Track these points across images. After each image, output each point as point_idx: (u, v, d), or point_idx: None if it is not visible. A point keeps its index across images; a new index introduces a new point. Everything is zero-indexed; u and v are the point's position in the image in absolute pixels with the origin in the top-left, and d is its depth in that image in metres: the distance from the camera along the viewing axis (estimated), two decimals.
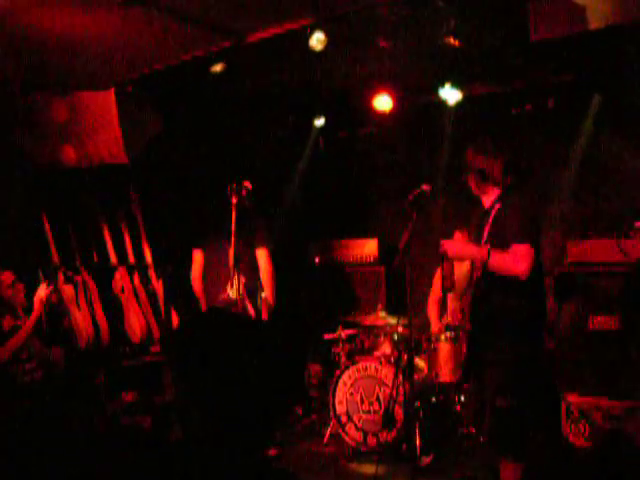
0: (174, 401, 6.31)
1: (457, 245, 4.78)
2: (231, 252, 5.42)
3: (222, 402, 1.88)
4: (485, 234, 4.39)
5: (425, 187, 4.89)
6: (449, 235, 6.93)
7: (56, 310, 5.88)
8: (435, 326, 6.59)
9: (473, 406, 5.27)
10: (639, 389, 5.64)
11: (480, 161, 4.46)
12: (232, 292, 6.10)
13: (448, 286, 4.59)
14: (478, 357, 4.43)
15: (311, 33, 5.47)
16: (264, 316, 6.09)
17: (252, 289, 6.08)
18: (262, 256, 6.24)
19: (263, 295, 6.10)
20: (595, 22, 4.64)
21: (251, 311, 6.15)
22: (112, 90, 5.62)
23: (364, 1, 5.15)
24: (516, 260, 4.12)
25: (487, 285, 4.34)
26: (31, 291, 5.38)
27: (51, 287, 5.13)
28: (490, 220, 4.38)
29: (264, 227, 6.34)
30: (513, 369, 4.21)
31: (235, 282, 6.01)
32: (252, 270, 6.16)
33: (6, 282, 5.23)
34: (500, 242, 4.22)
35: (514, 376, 4.22)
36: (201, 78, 6.18)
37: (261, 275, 6.19)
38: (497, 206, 4.38)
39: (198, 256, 6.33)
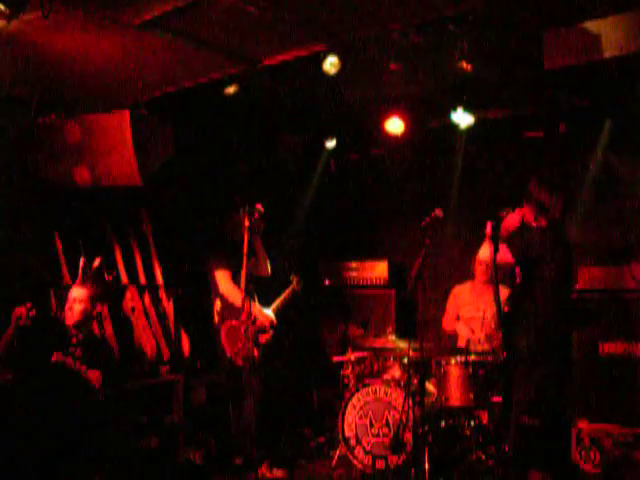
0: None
1: None
2: (243, 275, 5.42)
3: None
4: None
5: (438, 212, 4.95)
6: (460, 257, 6.98)
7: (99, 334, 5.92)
8: (463, 331, 6.62)
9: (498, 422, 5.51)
10: None
11: (543, 195, 4.83)
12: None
13: None
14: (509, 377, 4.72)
15: (325, 57, 5.51)
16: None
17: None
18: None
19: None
20: (609, 51, 4.66)
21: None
22: (126, 112, 5.63)
23: (378, 27, 5.17)
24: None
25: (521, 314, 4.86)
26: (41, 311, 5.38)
27: (32, 312, 5.00)
28: None
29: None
30: (542, 389, 4.43)
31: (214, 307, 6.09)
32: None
33: None
34: None
35: (542, 396, 4.43)
36: (215, 100, 6.22)
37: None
38: (535, 236, 4.97)
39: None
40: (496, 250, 4.88)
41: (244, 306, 5.44)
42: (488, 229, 4.94)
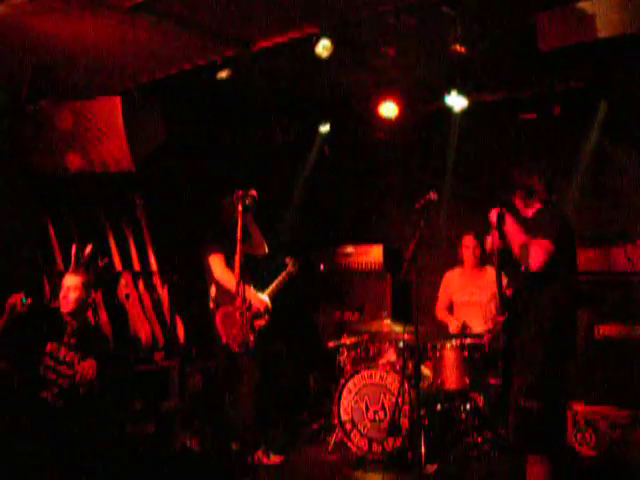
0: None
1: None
2: (237, 259, 5.38)
3: None
4: None
5: (432, 195, 4.91)
6: (455, 240, 6.96)
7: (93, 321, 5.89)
8: (453, 324, 6.63)
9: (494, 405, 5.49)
10: None
11: (526, 179, 4.78)
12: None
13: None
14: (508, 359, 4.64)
15: (317, 40, 5.46)
16: None
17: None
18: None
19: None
20: (604, 31, 4.61)
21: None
22: (118, 97, 5.60)
23: (371, 8, 5.13)
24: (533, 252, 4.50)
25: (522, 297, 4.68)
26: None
27: (28, 301, 4.97)
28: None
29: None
30: (542, 372, 4.37)
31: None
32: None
33: None
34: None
35: (542, 379, 4.37)
36: (207, 85, 6.17)
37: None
38: (539, 217, 4.74)
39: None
40: (501, 238, 4.82)
41: (239, 291, 5.41)
42: (493, 218, 4.88)
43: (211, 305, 6.13)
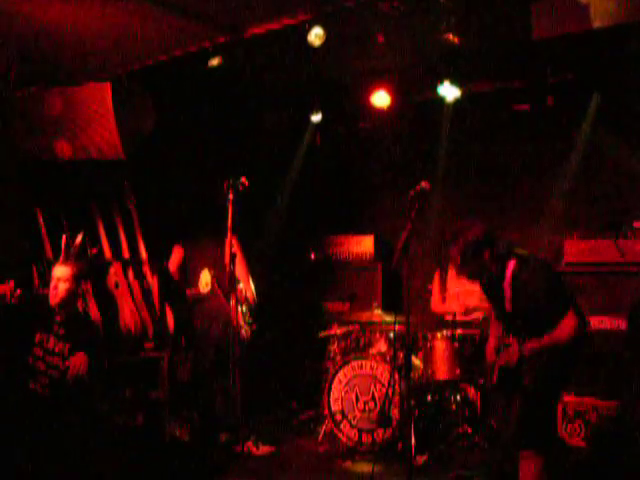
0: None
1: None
2: (227, 247, 5.35)
3: None
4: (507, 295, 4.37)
5: (424, 185, 4.87)
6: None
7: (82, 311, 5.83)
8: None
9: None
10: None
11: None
12: (202, 287, 6.08)
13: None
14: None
15: (310, 28, 5.42)
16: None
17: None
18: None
19: (240, 286, 5.99)
20: (598, 21, 4.60)
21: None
22: (108, 83, 5.55)
23: None
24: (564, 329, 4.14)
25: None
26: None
27: (16, 292, 4.90)
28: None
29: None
30: (545, 374, 4.29)
31: (203, 277, 5.99)
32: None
33: None
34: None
35: (544, 380, 4.29)
36: (198, 72, 6.12)
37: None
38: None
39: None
40: None
41: (232, 281, 5.39)
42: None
43: (206, 290, 6.07)
